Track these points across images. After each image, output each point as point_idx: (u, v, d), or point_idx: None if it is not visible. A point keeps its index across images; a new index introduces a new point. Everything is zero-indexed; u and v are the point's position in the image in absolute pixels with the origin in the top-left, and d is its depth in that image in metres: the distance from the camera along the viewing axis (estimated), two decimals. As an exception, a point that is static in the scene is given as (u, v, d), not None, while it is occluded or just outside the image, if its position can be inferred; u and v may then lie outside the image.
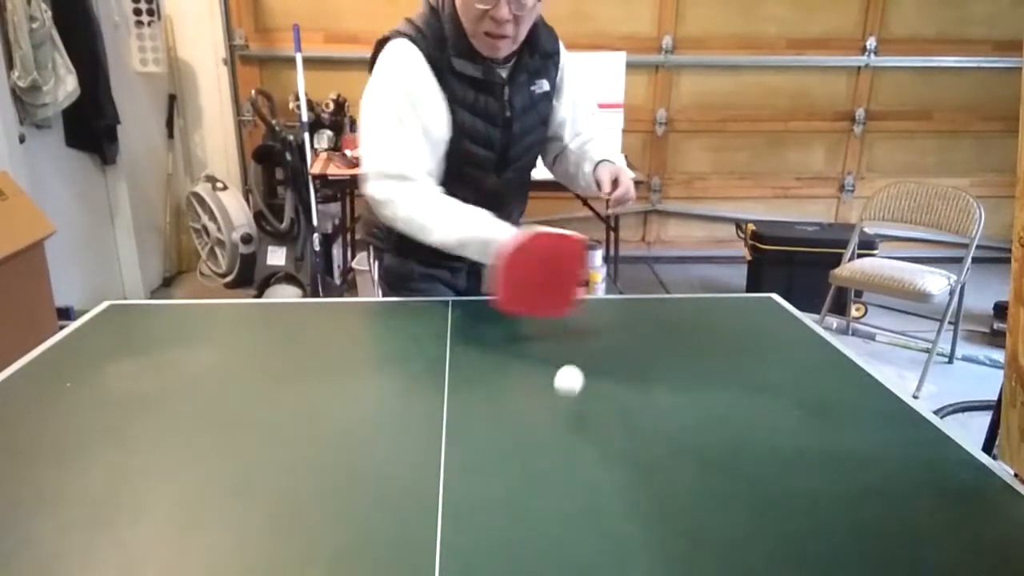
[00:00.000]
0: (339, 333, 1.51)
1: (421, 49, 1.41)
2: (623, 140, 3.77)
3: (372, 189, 1.44)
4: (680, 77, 4.58)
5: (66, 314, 2.79)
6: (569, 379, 1.14)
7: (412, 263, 1.64)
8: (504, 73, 1.49)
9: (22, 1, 2.80)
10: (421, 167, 1.43)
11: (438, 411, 1.12)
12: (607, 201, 1.50)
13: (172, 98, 4.26)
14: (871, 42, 4.51)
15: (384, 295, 1.70)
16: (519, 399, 1.19)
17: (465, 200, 1.53)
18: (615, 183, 1.49)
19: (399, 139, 1.41)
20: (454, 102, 1.44)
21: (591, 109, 1.70)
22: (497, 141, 1.51)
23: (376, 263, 1.70)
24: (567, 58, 1.61)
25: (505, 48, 1.43)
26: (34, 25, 2.86)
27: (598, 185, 1.52)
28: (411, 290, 1.65)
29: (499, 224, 1.38)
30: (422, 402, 1.16)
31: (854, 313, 3.76)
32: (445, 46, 1.42)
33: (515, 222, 1.71)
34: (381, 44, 1.46)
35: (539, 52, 1.52)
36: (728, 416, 1.13)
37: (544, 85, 1.56)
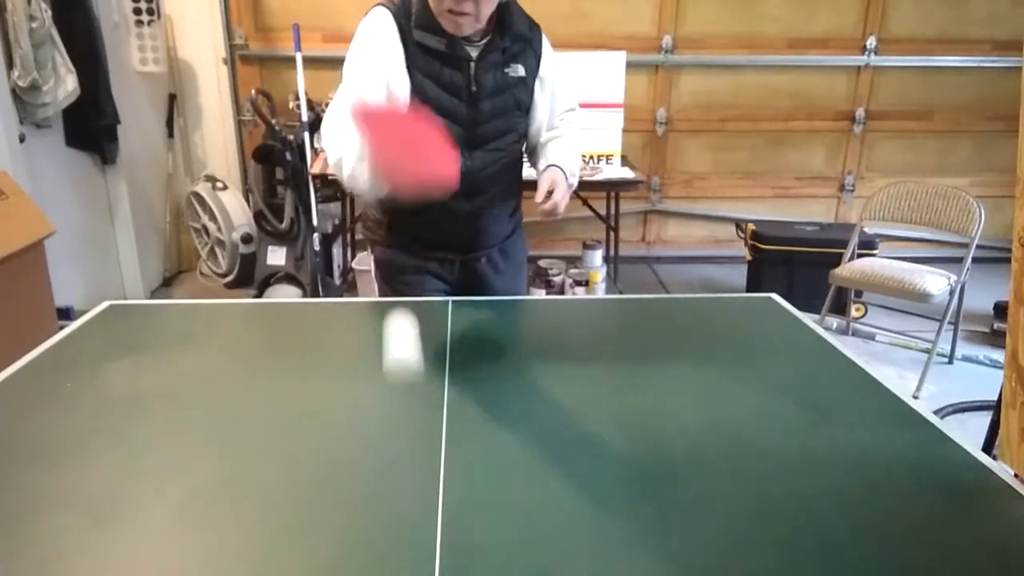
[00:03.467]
0: (339, 333, 1.51)
1: (392, 15, 1.47)
2: (623, 140, 3.77)
3: (323, 128, 1.45)
4: (680, 77, 4.57)
5: (66, 314, 2.79)
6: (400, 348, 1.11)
7: (402, 255, 1.67)
8: (473, 52, 1.51)
9: (22, 1, 2.80)
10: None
11: (438, 411, 1.12)
12: (537, 207, 1.50)
13: (172, 98, 4.26)
14: (871, 42, 4.50)
15: (379, 288, 1.71)
16: (519, 399, 1.19)
17: None
18: (550, 194, 1.50)
19: (355, 86, 1.44)
20: (417, 70, 1.47)
21: (570, 105, 1.71)
22: (464, 116, 1.52)
23: (372, 256, 1.74)
24: (551, 54, 1.63)
25: (467, 26, 1.45)
26: (34, 25, 2.86)
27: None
28: (403, 283, 1.66)
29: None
30: (422, 402, 1.16)
31: (854, 313, 3.76)
32: (411, 17, 1.47)
33: (509, 217, 1.73)
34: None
35: (511, 34, 1.53)
36: (728, 416, 1.13)
37: (520, 70, 1.57)
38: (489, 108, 1.54)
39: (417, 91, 1.48)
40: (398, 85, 1.46)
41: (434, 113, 1.47)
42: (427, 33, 1.46)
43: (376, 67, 1.45)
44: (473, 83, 1.51)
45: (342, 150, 1.33)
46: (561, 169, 1.57)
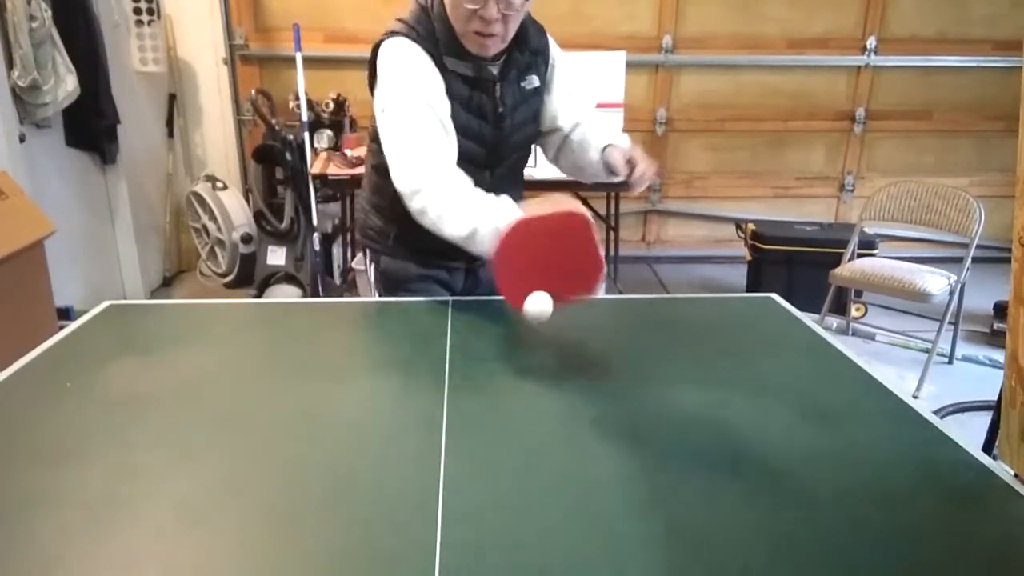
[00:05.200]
0: (339, 333, 1.51)
1: (421, 46, 1.43)
2: (623, 140, 3.77)
3: (400, 183, 1.41)
4: (680, 77, 4.58)
5: (66, 314, 2.79)
6: (540, 304, 1.23)
7: (410, 264, 1.64)
8: (495, 70, 1.50)
9: (22, 1, 2.80)
10: (444, 156, 1.41)
11: (438, 411, 1.12)
12: (631, 184, 1.46)
13: (172, 98, 4.26)
14: (871, 42, 4.51)
15: (380, 297, 1.70)
16: (519, 399, 1.18)
17: None
18: (630, 163, 1.45)
19: (422, 132, 1.40)
20: (451, 97, 1.45)
21: (586, 97, 1.69)
22: (489, 137, 1.52)
23: (372, 265, 1.70)
24: (558, 54, 1.61)
25: (494, 47, 1.44)
26: (34, 24, 2.86)
27: (611, 170, 1.50)
28: (408, 291, 1.65)
29: (507, 210, 1.30)
30: (422, 402, 1.16)
31: (854, 313, 3.76)
32: (438, 44, 1.44)
33: None
34: (377, 47, 1.47)
35: (528, 48, 1.53)
36: (728, 416, 1.13)
37: (534, 81, 1.56)
38: (511, 125, 1.54)
39: (450, 118, 1.46)
40: (450, 121, 1.44)
41: (462, 139, 1.47)
42: (456, 60, 1.45)
43: (439, 98, 1.42)
44: (500, 104, 1.51)
45: (444, 209, 1.36)
46: (620, 145, 1.54)
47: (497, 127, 1.52)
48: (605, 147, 1.53)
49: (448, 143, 1.43)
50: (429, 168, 1.39)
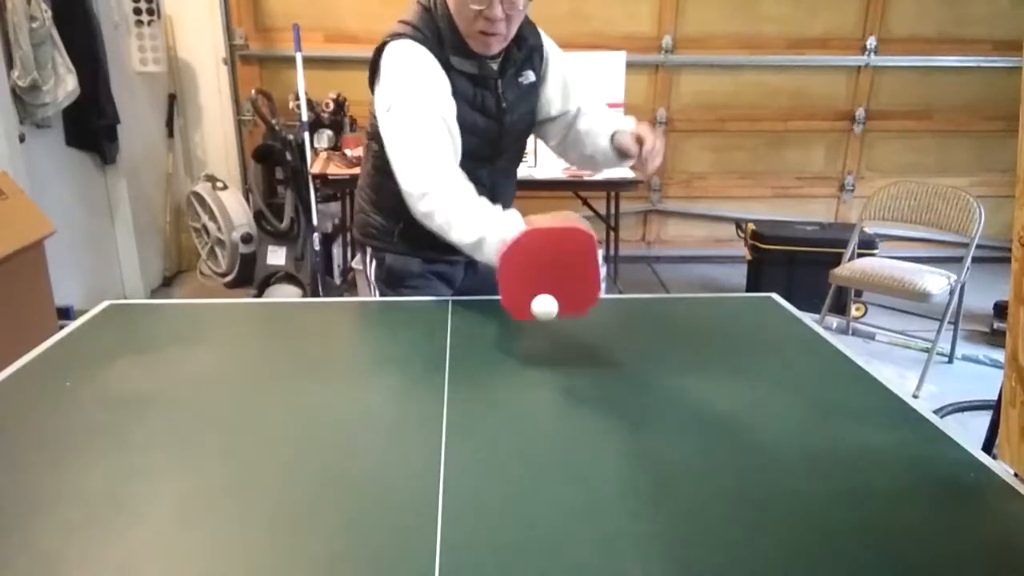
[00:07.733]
0: (339, 333, 1.51)
1: (427, 47, 1.45)
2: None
3: (407, 184, 1.42)
4: (680, 77, 4.57)
5: (66, 314, 2.79)
6: (546, 305, 1.26)
7: (414, 260, 1.66)
8: (495, 67, 1.53)
9: (22, 1, 2.80)
10: (449, 160, 1.43)
11: (438, 411, 1.12)
12: (643, 162, 1.49)
13: (172, 98, 4.26)
14: (871, 42, 4.50)
15: (381, 295, 1.70)
16: (519, 399, 1.19)
17: None
18: (639, 141, 1.49)
19: (428, 135, 1.40)
20: (457, 97, 1.48)
21: (585, 87, 1.70)
22: (494, 132, 1.55)
23: (373, 263, 1.70)
24: (552, 48, 1.65)
25: (498, 45, 1.48)
26: (34, 25, 2.86)
27: (624, 154, 1.54)
28: (409, 287, 1.66)
29: (513, 222, 1.32)
30: (422, 402, 1.16)
31: (854, 313, 3.76)
32: (444, 44, 1.46)
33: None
34: (381, 48, 1.48)
35: (525, 45, 1.57)
36: (727, 416, 1.13)
37: (531, 76, 1.60)
38: (511, 120, 1.57)
39: (456, 117, 1.48)
40: (454, 121, 1.45)
41: (467, 136, 1.49)
42: (462, 58, 1.48)
43: (446, 101, 1.44)
44: (503, 100, 1.54)
45: (453, 216, 1.36)
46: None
47: (499, 122, 1.55)
48: (614, 133, 1.58)
49: (452, 147, 1.45)
50: (435, 172, 1.40)
